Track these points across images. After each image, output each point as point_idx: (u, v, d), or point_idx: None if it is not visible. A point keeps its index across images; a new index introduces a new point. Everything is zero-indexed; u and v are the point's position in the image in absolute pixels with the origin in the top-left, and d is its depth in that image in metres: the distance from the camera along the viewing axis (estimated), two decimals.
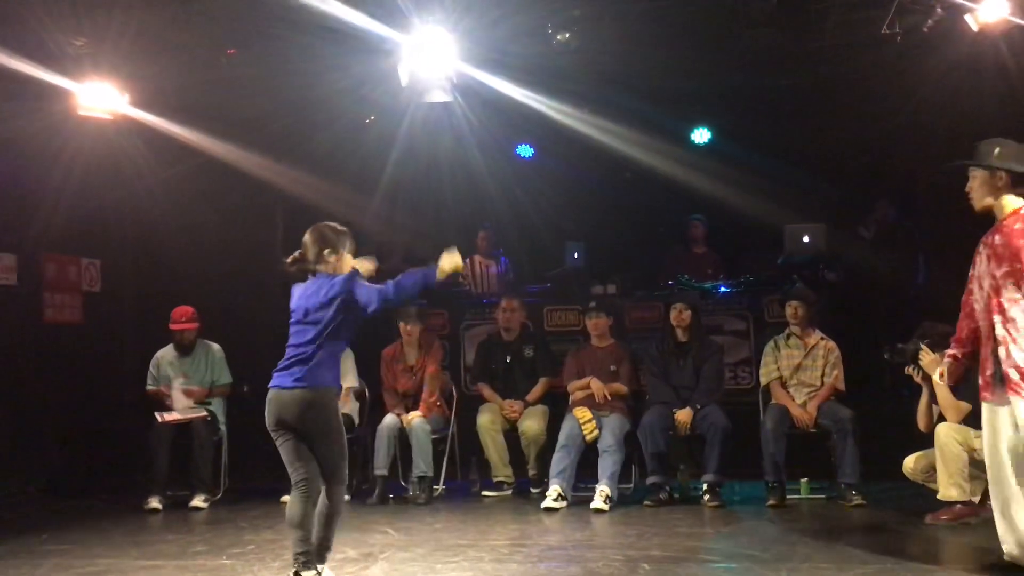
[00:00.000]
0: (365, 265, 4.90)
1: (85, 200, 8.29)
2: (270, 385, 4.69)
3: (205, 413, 7.63)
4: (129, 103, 7.71)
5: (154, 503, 7.21)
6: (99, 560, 5.54)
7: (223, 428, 7.85)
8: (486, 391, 7.84)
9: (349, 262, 4.80)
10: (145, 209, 8.71)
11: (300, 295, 4.79)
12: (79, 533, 6.41)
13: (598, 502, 6.76)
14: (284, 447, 4.66)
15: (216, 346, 7.97)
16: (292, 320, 4.76)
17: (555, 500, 6.86)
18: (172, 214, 8.62)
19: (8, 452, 7.91)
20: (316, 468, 4.61)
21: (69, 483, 8.21)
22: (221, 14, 6.88)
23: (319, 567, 4.60)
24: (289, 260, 4.81)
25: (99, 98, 7.49)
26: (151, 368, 7.80)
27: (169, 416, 7.47)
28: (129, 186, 8.59)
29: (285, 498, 7.45)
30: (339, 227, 4.84)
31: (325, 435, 4.63)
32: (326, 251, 4.74)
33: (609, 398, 7.32)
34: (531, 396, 7.74)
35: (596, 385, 7.36)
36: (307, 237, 4.80)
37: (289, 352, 4.72)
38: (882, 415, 7.82)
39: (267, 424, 4.69)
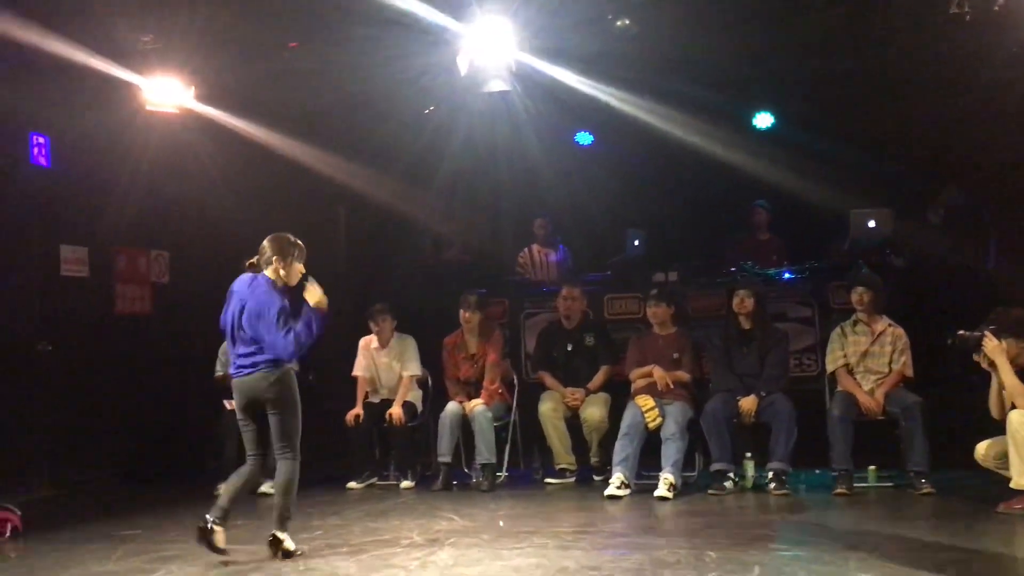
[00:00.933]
0: (315, 293, 5.32)
1: (153, 193, 8.45)
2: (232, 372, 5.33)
3: None
4: (194, 97, 7.85)
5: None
6: (172, 545, 5.66)
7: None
8: (548, 379, 7.86)
9: (298, 270, 5.33)
10: (211, 202, 8.85)
11: (241, 289, 5.31)
12: (152, 519, 6.57)
13: (662, 490, 6.74)
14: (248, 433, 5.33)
15: None
16: (238, 312, 5.25)
17: (618, 488, 6.86)
18: (236, 206, 8.75)
19: (83, 440, 8.12)
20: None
21: (142, 470, 8.41)
22: (283, 8, 6.96)
23: (279, 534, 5.18)
24: (248, 263, 5.37)
25: (166, 93, 7.64)
26: (219, 355, 7.94)
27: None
28: (195, 179, 8.74)
29: (351, 484, 7.66)
30: (293, 239, 5.36)
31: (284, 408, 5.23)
32: (275, 258, 5.27)
33: (672, 386, 7.29)
34: (593, 384, 7.74)
35: (658, 372, 7.33)
36: (266, 243, 5.34)
37: (243, 348, 5.27)
38: (951, 402, 7.68)
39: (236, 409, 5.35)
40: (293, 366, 5.36)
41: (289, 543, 5.20)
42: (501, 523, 6.15)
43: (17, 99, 7.17)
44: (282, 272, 5.27)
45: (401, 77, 7.82)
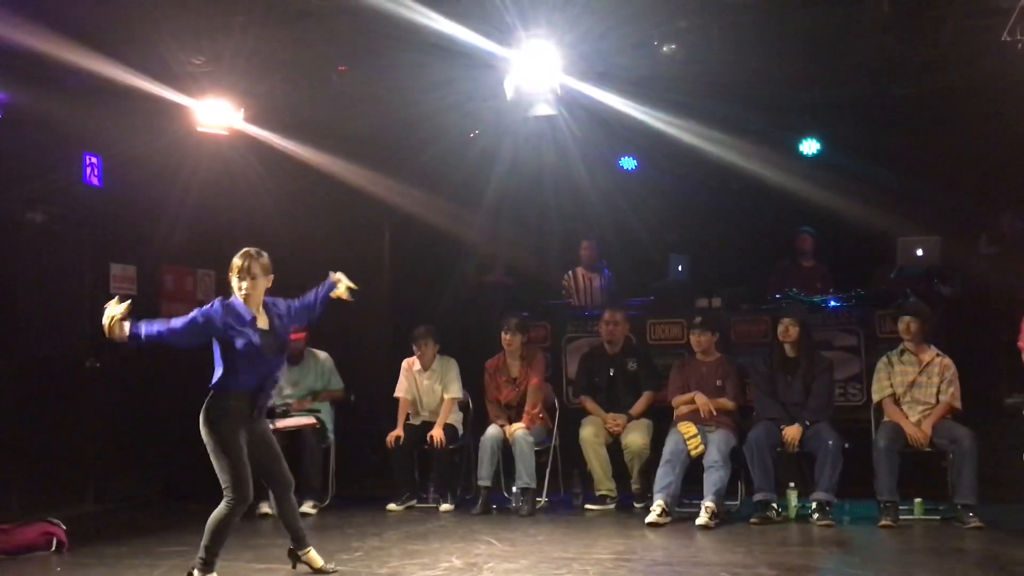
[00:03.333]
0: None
1: (202, 213, 8.57)
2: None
3: (315, 421, 7.80)
4: (244, 119, 7.96)
5: (265, 508, 7.38)
6: (216, 562, 5.69)
7: (331, 436, 8.01)
8: (589, 404, 7.83)
9: (263, 286, 5.22)
10: (258, 222, 8.96)
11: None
12: (196, 536, 6.58)
13: (703, 518, 6.68)
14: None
15: (323, 354, 8.17)
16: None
17: (659, 515, 6.80)
18: (284, 227, 8.85)
19: (129, 456, 8.23)
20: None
21: (187, 487, 8.48)
22: (332, 33, 7.04)
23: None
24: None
25: (216, 114, 7.75)
26: None
27: (280, 423, 7.66)
28: (243, 200, 8.85)
29: (391, 506, 7.67)
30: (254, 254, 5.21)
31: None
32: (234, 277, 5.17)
33: (715, 413, 7.23)
34: (635, 410, 7.70)
35: (701, 400, 7.28)
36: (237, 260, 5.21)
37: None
38: (1000, 435, 7.54)
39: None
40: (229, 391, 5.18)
41: None
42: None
43: (71, 120, 7.33)
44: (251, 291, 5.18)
45: (448, 101, 7.88)
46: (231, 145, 8.23)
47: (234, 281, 5.17)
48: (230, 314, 5.09)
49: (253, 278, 5.14)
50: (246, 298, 5.14)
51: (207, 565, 5.07)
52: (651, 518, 6.80)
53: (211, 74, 7.35)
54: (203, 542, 5.08)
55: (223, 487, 5.04)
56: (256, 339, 5.07)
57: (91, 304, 8.03)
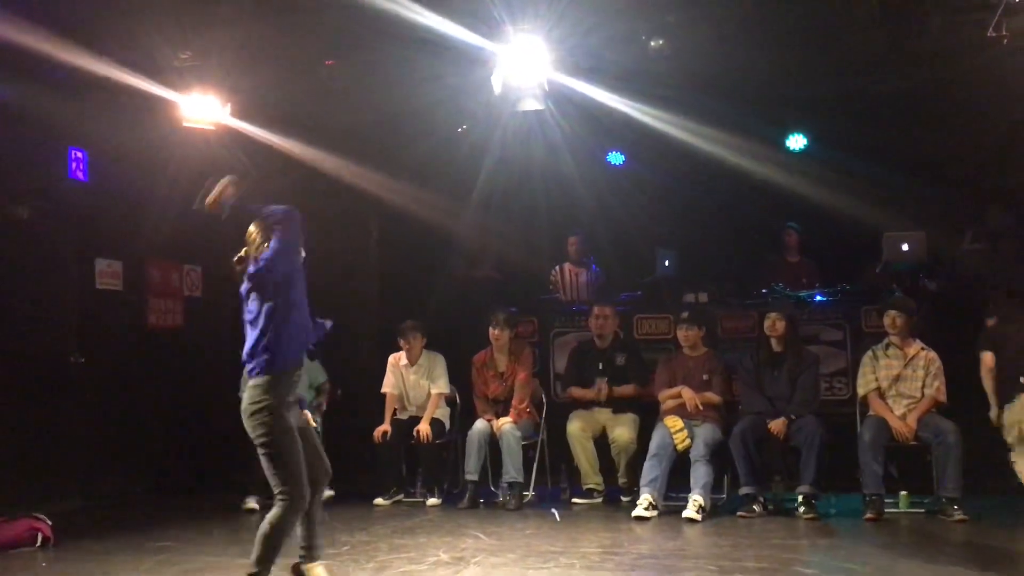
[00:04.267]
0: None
1: (188, 208, 8.49)
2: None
3: (308, 415, 7.78)
4: (230, 114, 7.92)
5: (251, 503, 7.39)
6: (200, 558, 5.70)
7: (319, 431, 7.99)
8: (576, 391, 7.83)
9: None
10: (244, 217, 8.93)
11: None
12: (181, 531, 6.61)
13: (690, 511, 6.70)
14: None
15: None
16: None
17: (646, 509, 6.82)
18: None
19: (115, 452, 8.21)
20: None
21: (173, 482, 8.48)
22: (320, 27, 7.03)
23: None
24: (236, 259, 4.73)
25: (202, 109, 7.72)
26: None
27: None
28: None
29: (379, 501, 7.67)
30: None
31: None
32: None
33: (701, 408, 7.26)
34: (619, 390, 7.70)
35: (687, 394, 7.30)
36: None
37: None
38: (985, 428, 7.58)
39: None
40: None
41: None
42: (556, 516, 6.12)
43: (57, 115, 7.28)
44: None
45: (436, 96, 7.87)
46: (218, 140, 8.19)
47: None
48: None
49: None
50: None
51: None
52: (638, 512, 6.81)
53: (197, 69, 7.33)
54: (255, 554, 4.38)
55: (276, 488, 4.41)
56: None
57: (76, 299, 8.03)
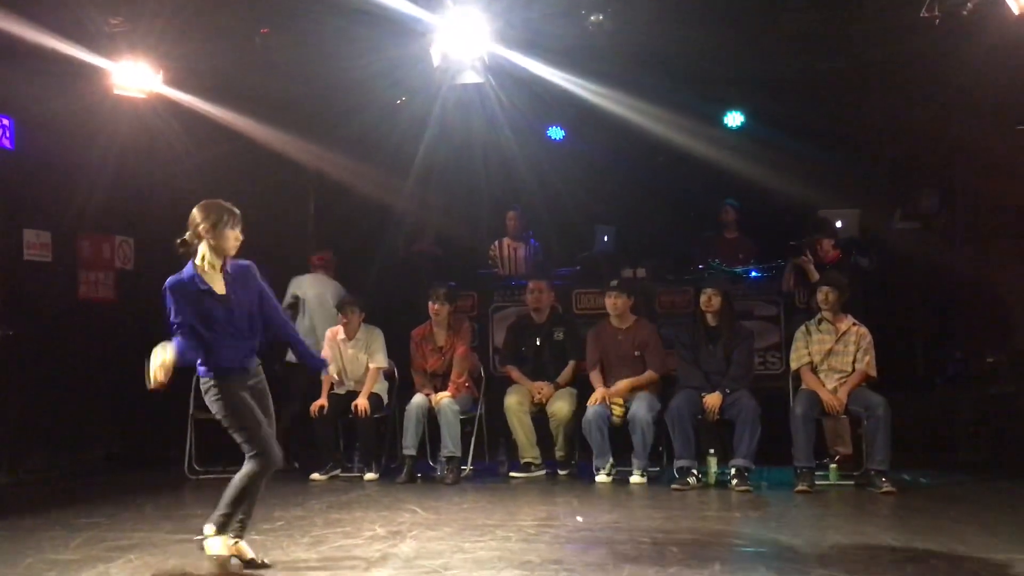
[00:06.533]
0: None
1: (120, 179, 8.35)
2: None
3: None
4: (163, 82, 7.77)
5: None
6: (132, 534, 5.61)
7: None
8: (515, 373, 7.86)
9: (234, 237, 4.81)
10: (179, 188, 8.75)
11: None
12: (112, 508, 6.50)
13: (636, 477, 7.01)
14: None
15: None
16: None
17: (608, 475, 7.19)
18: (205, 193, 8.62)
19: (43, 428, 8.03)
20: None
21: (105, 458, 8.34)
22: None
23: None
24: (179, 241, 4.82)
25: (134, 77, 7.55)
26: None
27: None
28: (163, 165, 8.66)
29: (315, 475, 7.63)
30: (228, 205, 4.84)
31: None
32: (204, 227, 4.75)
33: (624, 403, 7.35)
34: (561, 378, 7.75)
35: (600, 394, 7.39)
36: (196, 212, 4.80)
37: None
38: (913, 402, 7.77)
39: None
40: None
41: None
42: (578, 514, 6.15)
43: None
44: (212, 243, 4.72)
45: (374, 68, 7.78)
46: (151, 109, 8.03)
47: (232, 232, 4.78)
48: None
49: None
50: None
51: (223, 526, 4.67)
52: (600, 478, 7.14)
53: (128, 35, 7.17)
54: (222, 501, 4.67)
55: (247, 452, 4.70)
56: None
57: (4, 271, 7.81)
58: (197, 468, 7.49)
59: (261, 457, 4.69)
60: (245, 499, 4.72)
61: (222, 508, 4.69)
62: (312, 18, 7.09)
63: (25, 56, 6.81)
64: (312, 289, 8.61)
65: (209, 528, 4.68)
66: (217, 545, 4.66)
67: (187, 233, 4.79)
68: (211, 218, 4.75)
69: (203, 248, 4.75)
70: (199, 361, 4.77)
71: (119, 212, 8.69)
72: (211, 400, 4.77)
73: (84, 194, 8.18)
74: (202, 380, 4.80)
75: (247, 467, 4.71)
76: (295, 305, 8.58)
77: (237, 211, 4.83)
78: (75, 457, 8.32)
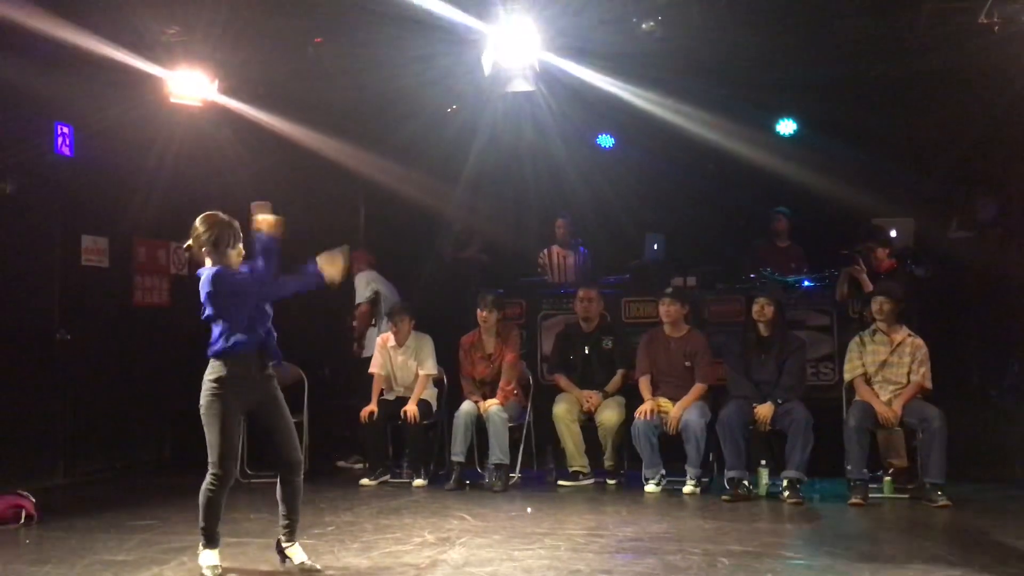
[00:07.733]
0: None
1: (175, 185, 8.48)
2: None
3: None
4: (218, 91, 7.87)
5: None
6: (186, 536, 5.66)
7: (305, 409, 7.98)
8: (563, 381, 7.84)
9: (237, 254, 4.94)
10: (232, 194, 8.87)
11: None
12: (166, 510, 6.58)
13: (689, 486, 6.97)
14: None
15: None
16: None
17: (657, 484, 7.15)
18: (258, 199, 8.77)
19: (100, 430, 8.17)
20: None
21: (159, 460, 8.46)
22: (309, 4, 6.97)
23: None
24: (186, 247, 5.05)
25: (190, 86, 7.66)
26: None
27: None
28: (217, 172, 8.77)
29: (364, 481, 7.67)
30: (228, 219, 4.96)
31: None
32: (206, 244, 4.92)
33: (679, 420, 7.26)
34: (610, 387, 7.72)
35: (648, 406, 7.32)
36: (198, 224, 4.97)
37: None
38: (969, 415, 7.62)
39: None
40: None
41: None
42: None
43: (42, 89, 7.20)
44: (214, 260, 4.86)
45: (426, 76, 7.83)
46: (205, 117, 8.14)
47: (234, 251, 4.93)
48: None
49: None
50: None
51: (208, 541, 4.88)
52: (650, 488, 7.13)
53: (184, 44, 7.27)
54: (199, 518, 4.89)
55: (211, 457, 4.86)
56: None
57: (62, 276, 7.97)
58: (249, 472, 7.56)
59: (216, 469, 4.85)
60: (212, 511, 4.84)
61: (199, 524, 4.87)
62: (365, 27, 7.15)
63: (84, 65, 6.95)
64: (384, 286, 8.74)
65: (199, 547, 4.91)
66: (208, 558, 4.87)
67: (190, 239, 4.92)
68: (212, 237, 4.86)
69: (208, 264, 4.89)
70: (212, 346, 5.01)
71: (174, 218, 8.76)
72: (204, 395, 5.00)
73: (140, 201, 8.33)
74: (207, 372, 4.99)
75: (205, 479, 4.86)
76: (375, 300, 8.67)
77: (237, 225, 4.93)
78: (130, 459, 8.47)
